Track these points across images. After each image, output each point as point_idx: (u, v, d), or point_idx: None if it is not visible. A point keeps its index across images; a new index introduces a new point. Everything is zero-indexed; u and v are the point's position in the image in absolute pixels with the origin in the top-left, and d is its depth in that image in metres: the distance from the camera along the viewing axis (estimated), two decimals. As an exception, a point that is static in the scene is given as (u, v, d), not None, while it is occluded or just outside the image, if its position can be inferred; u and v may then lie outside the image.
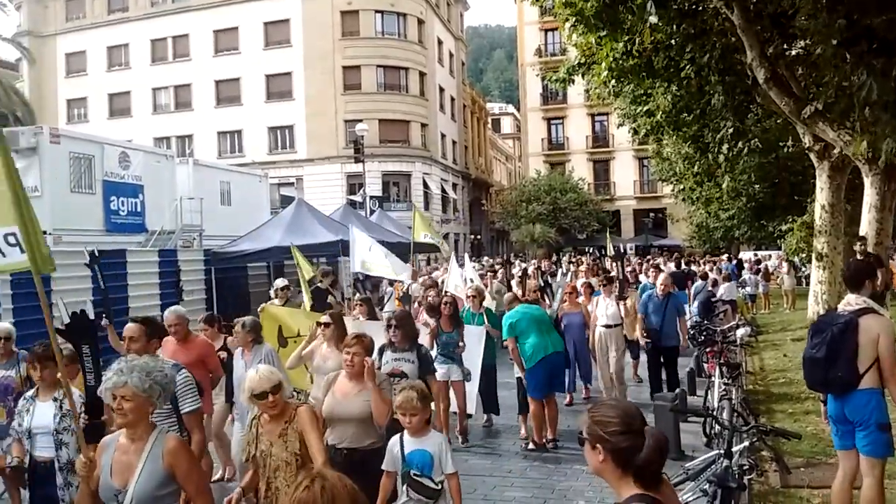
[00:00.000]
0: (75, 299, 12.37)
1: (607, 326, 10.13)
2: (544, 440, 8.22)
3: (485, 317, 9.27)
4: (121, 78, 47.46)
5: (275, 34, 44.10)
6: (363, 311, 9.18)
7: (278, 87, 44.01)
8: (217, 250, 16.68)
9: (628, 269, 20.56)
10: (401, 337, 6.42)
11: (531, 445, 8.24)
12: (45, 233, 13.66)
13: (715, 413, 6.66)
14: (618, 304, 10.29)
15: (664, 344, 10.10)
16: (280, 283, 11.43)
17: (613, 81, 14.71)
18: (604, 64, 13.08)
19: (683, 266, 24.58)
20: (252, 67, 44.12)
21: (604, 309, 10.19)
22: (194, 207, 18.03)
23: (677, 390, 8.46)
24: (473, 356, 8.57)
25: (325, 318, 6.68)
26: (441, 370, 8.00)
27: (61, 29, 49.03)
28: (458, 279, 12.18)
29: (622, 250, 39.98)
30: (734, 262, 27.83)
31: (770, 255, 31.94)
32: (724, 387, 7.81)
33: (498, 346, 9.49)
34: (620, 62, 13.05)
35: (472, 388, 8.61)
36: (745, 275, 24.79)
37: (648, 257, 31.72)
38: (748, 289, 23.29)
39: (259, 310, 8.68)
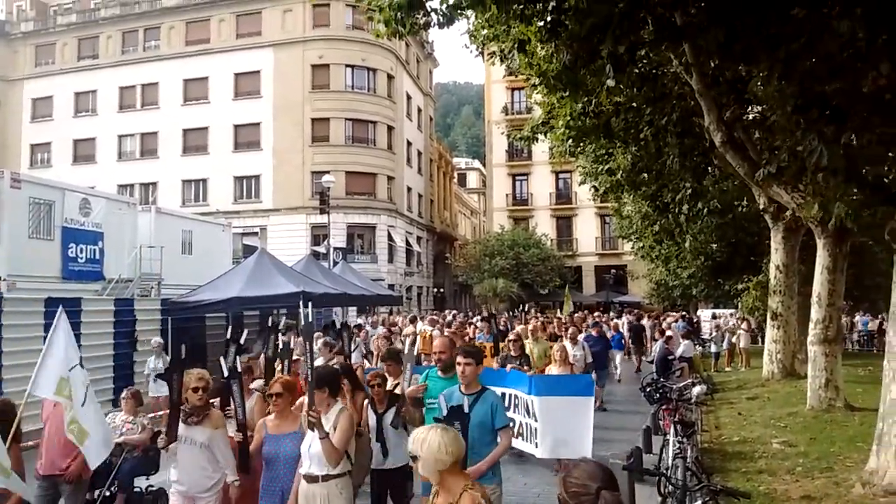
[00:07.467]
0: (25, 348, 12.08)
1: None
2: None
3: None
4: (87, 124, 47.27)
5: (245, 85, 44.44)
6: None
7: (246, 137, 44.16)
8: (175, 300, 16.41)
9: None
10: None
11: None
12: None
13: (668, 472, 6.67)
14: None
15: None
16: None
17: (571, 141, 15.07)
18: (561, 122, 13.42)
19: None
20: (221, 117, 44.28)
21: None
22: (154, 256, 17.85)
23: (632, 448, 8.45)
24: None
25: None
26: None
27: (29, 73, 48.98)
28: None
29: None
30: (686, 320, 28.10)
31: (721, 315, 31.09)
32: (678, 445, 7.83)
33: None
34: (578, 122, 13.39)
35: None
36: (710, 333, 25.06)
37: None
38: (712, 346, 23.53)
39: None
